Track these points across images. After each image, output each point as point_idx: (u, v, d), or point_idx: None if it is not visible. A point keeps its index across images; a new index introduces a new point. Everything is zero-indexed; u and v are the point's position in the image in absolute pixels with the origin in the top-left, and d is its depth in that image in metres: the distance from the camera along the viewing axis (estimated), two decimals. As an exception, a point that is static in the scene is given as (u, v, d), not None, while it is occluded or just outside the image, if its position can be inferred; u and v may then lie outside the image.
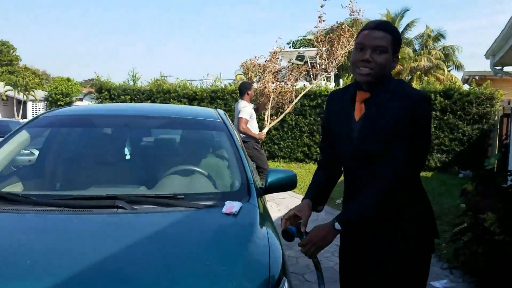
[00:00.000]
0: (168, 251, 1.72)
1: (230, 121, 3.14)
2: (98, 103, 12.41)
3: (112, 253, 1.65)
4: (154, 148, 3.06)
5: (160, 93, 12.28)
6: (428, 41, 29.45)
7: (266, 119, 8.08)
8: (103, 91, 12.50)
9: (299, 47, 26.56)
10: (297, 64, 23.94)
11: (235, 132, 2.98)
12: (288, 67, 9.49)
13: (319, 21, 8.34)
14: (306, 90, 9.19)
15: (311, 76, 17.05)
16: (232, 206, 2.09)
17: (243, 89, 6.28)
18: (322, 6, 8.22)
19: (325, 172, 1.94)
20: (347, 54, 8.43)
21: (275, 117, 8.36)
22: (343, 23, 9.01)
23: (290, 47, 27.06)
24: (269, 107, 8.04)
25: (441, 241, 4.51)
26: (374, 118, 1.64)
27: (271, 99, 8.02)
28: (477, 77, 12.88)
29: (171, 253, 1.70)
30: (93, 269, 1.53)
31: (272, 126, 11.72)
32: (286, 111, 8.51)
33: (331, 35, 8.49)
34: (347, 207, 1.80)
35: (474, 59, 72.75)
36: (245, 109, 6.06)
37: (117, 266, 1.59)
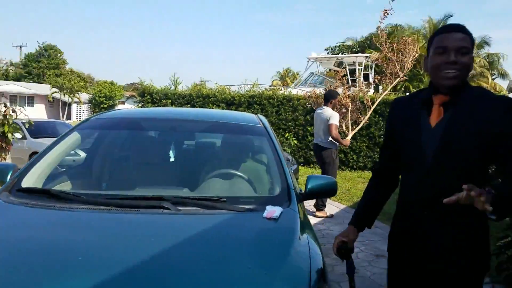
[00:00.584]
0: (211, 253, 1.76)
1: (270, 126, 3.18)
2: (141, 106, 12.78)
3: (158, 252, 1.70)
4: (196, 151, 3.14)
5: (199, 97, 12.52)
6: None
7: (346, 127, 8.21)
8: (146, 95, 12.87)
9: (338, 54, 26.33)
10: (335, 71, 23.75)
11: (275, 137, 3.01)
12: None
13: (384, 16, 8.02)
14: (382, 96, 9.12)
15: (349, 82, 16.80)
16: (273, 211, 2.11)
17: (329, 97, 6.39)
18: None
19: (381, 182, 1.93)
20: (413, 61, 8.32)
21: (355, 126, 8.37)
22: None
23: (328, 53, 26.87)
24: (349, 115, 8.17)
25: (484, 255, 4.34)
26: (461, 121, 1.57)
27: (349, 107, 8.14)
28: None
29: (214, 255, 1.74)
30: (141, 267, 1.59)
31: (309, 132, 11.70)
32: (365, 118, 8.53)
33: (396, 44, 8.37)
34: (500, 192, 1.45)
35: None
36: (335, 115, 6.17)
37: (163, 265, 1.63)
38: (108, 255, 1.67)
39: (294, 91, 14.60)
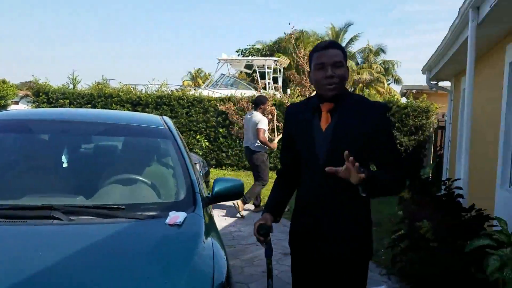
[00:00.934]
0: (107, 264, 1.64)
1: (176, 128, 3.08)
2: (35, 107, 11.75)
3: (47, 266, 1.55)
4: (94, 156, 2.92)
5: (101, 97, 11.84)
6: (370, 55, 30.86)
7: (274, 131, 8.63)
8: (41, 94, 11.86)
9: (248, 56, 26.79)
10: (246, 73, 24.12)
11: (181, 140, 2.92)
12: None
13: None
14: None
15: (260, 85, 17.18)
16: (176, 217, 2.04)
17: (258, 102, 6.69)
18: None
19: (285, 182, 2.07)
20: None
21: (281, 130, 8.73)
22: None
23: (239, 55, 27.22)
24: (275, 120, 8.62)
25: (379, 247, 4.68)
26: (346, 124, 1.80)
27: (275, 113, 8.56)
28: (414, 91, 13.65)
29: (110, 267, 1.63)
30: (28, 282, 1.43)
31: (221, 134, 11.71)
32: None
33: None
34: (374, 177, 1.72)
35: (412, 74, 77.19)
36: (264, 120, 6.48)
37: (53, 280, 1.49)
38: None
39: (205, 92, 14.52)
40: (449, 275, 3.34)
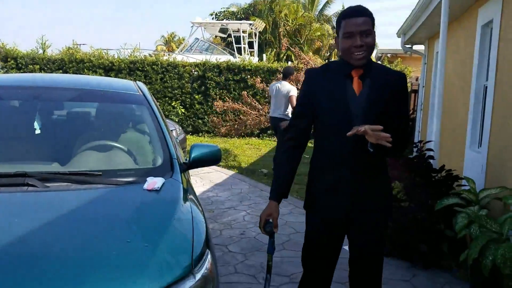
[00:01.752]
0: (86, 230, 1.65)
1: (151, 94, 3.03)
2: (4, 73, 11.28)
3: (24, 233, 1.54)
4: (67, 122, 2.86)
5: (72, 62, 11.48)
6: (346, 19, 30.58)
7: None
8: (9, 60, 11.39)
9: (223, 19, 26.18)
10: (220, 37, 23.62)
11: (156, 106, 2.89)
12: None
13: None
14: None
15: (235, 50, 16.96)
16: (154, 182, 2.05)
17: (287, 73, 6.94)
18: None
19: (297, 154, 2.03)
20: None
21: None
22: None
23: (213, 19, 26.55)
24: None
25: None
26: (377, 90, 1.88)
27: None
28: (389, 55, 13.73)
29: (89, 232, 1.64)
30: (4, 250, 1.43)
31: (197, 101, 11.58)
32: None
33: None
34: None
35: (387, 38, 77.22)
36: (294, 88, 6.75)
37: (30, 248, 1.49)
38: None
39: (180, 57, 14.21)
40: (420, 234, 3.50)
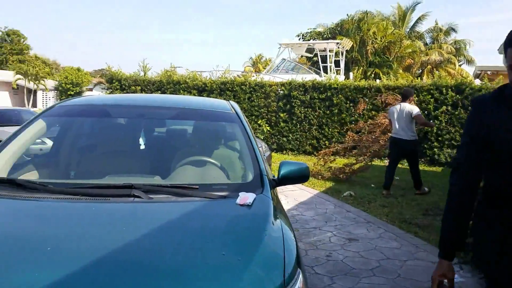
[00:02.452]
0: (185, 240, 1.74)
1: (243, 113, 3.15)
2: (109, 93, 12.48)
3: (130, 241, 1.67)
4: (167, 138, 3.09)
5: (170, 84, 12.33)
6: (439, 35, 29.15)
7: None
8: (114, 81, 12.57)
9: (309, 40, 26.38)
10: (306, 57, 23.76)
11: (248, 123, 2.99)
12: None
13: None
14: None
15: (321, 69, 16.93)
16: (246, 197, 2.11)
17: (407, 94, 7.12)
18: None
19: (472, 194, 1.75)
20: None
21: None
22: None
23: (300, 40, 26.88)
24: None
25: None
26: None
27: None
28: (489, 72, 12.75)
29: (187, 243, 1.72)
30: (114, 257, 1.56)
31: (282, 119, 11.73)
32: None
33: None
34: None
35: (485, 54, 71.80)
36: (416, 108, 6.99)
37: (136, 254, 1.61)
38: (78, 246, 1.62)
39: (266, 77, 14.58)
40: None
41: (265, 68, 24.10)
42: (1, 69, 42.84)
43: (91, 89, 34.55)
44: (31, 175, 2.51)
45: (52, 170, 2.77)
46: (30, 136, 2.66)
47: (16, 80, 34.09)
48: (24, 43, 50.72)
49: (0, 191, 2.04)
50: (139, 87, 12.43)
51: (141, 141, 2.80)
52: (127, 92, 12.23)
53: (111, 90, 12.59)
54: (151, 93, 12.13)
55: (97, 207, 1.97)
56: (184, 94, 11.90)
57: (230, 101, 3.36)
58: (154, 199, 2.04)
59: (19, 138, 2.56)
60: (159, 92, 12.22)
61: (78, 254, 1.56)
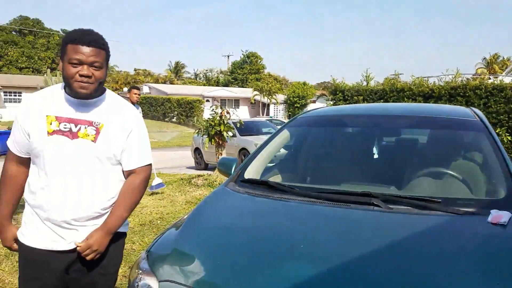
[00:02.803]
0: (429, 258, 1.64)
1: (487, 120, 2.82)
2: (332, 104, 13.05)
3: (377, 249, 1.69)
4: (400, 148, 3.01)
5: (393, 92, 12.04)
6: None
7: None
8: (337, 92, 13.07)
9: None
10: None
11: (495, 132, 2.65)
12: None
13: None
14: None
15: None
16: (500, 216, 1.87)
17: None
18: None
19: None
20: None
21: None
22: None
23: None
24: None
25: None
26: None
27: None
28: None
29: (433, 261, 1.62)
30: (361, 263, 1.62)
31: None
32: None
33: None
34: None
35: None
36: None
37: (384, 263, 1.62)
38: (328, 247, 1.76)
39: (507, 79, 12.62)
40: None
41: (502, 69, 20.90)
42: (243, 87, 50.35)
43: (314, 101, 36.85)
44: (276, 179, 2.84)
45: (293, 175, 3.06)
46: (276, 144, 3.02)
47: (254, 96, 39.39)
48: (260, 63, 58.19)
49: (256, 190, 2.39)
50: (361, 97, 12.56)
51: (374, 150, 2.82)
52: (350, 103, 12.52)
53: (334, 101, 13.13)
54: (373, 102, 12.09)
55: (339, 212, 2.07)
56: (408, 102, 11.42)
57: (472, 108, 3.05)
58: (393, 210, 2.01)
59: (268, 147, 2.94)
60: (382, 101, 12.06)
61: (327, 255, 1.69)
